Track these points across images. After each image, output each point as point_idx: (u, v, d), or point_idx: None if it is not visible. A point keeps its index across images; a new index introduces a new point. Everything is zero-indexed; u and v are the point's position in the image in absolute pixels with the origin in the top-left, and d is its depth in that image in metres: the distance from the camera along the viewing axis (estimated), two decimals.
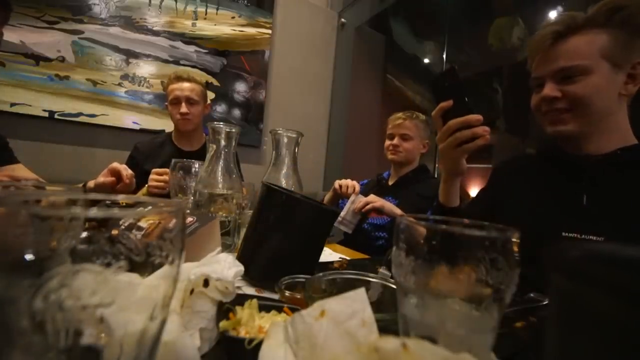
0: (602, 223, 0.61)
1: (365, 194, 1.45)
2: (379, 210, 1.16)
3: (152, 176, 1.05)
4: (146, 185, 1.07)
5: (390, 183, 1.42)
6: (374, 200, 1.16)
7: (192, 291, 0.31)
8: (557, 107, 0.66)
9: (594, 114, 0.64)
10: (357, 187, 1.24)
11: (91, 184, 0.99)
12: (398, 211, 1.17)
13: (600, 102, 0.64)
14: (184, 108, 1.36)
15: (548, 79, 0.67)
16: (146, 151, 1.44)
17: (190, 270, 0.31)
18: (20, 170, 1.02)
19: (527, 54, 0.74)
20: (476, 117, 0.59)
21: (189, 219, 0.55)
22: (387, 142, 1.40)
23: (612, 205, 0.62)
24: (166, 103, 1.44)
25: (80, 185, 1.01)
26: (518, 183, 0.78)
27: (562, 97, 0.65)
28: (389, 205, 1.17)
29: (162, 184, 1.04)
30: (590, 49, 0.62)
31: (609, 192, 0.63)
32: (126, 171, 0.97)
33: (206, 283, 0.31)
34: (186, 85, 1.38)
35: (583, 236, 0.62)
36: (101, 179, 0.97)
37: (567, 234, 0.63)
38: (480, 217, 0.32)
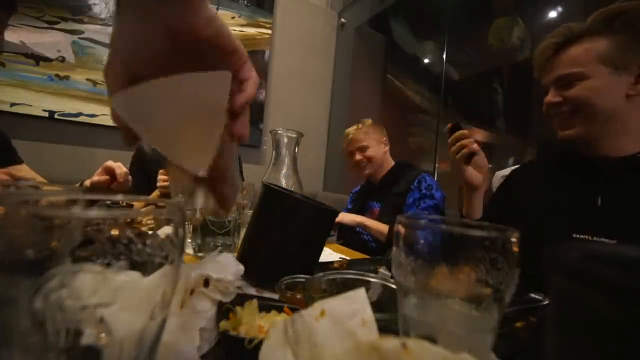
0: (616, 225, 0.61)
1: (356, 202, 1.50)
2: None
3: (160, 177, 1.07)
4: (156, 190, 1.08)
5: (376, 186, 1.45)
6: None
7: (192, 291, 0.31)
8: (562, 111, 0.69)
9: (598, 115, 0.65)
10: None
11: (87, 182, 0.99)
12: (358, 218, 1.27)
13: (602, 104, 0.65)
14: None
15: (551, 87, 0.71)
16: (153, 153, 1.45)
17: (191, 270, 0.31)
18: (24, 171, 1.02)
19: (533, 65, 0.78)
20: (461, 132, 0.74)
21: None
22: (351, 160, 1.41)
23: (627, 208, 0.62)
24: None
25: (78, 184, 1.01)
26: (532, 185, 0.79)
27: (564, 102, 0.68)
28: (348, 218, 1.26)
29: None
30: (587, 57, 0.65)
31: (625, 194, 0.63)
32: (120, 169, 0.96)
33: (206, 283, 0.31)
34: None
35: (595, 238, 0.62)
36: (96, 177, 0.97)
37: (578, 235, 0.63)
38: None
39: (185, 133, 0.27)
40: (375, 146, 1.37)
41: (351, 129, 1.41)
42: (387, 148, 1.40)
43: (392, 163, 1.40)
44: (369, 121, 1.41)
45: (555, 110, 0.70)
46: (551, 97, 0.70)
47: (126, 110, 0.25)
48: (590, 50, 0.65)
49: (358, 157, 1.37)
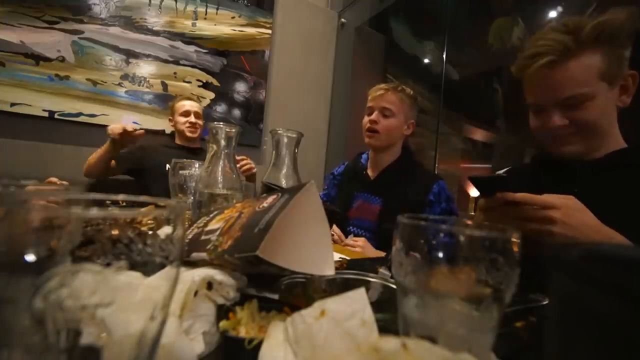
0: None
1: (342, 187, 1.27)
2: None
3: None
4: None
5: (370, 174, 1.20)
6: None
7: (195, 293, 0.31)
8: (564, 133, 0.68)
9: (600, 134, 0.67)
10: None
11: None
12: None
13: (605, 122, 0.66)
14: (192, 118, 1.67)
15: (552, 107, 0.68)
16: (148, 147, 1.61)
17: (194, 272, 0.31)
18: None
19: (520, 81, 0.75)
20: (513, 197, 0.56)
21: (270, 199, 0.39)
22: (365, 119, 1.15)
23: (600, 207, 0.63)
24: (170, 117, 1.72)
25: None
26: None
27: (570, 124, 0.67)
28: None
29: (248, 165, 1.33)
30: (590, 74, 0.63)
31: (598, 194, 0.65)
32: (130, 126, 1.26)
33: (209, 286, 0.31)
34: (195, 103, 1.72)
35: None
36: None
37: None
38: None
39: (307, 247, 0.35)
40: (400, 120, 1.12)
41: (387, 85, 1.14)
42: (407, 133, 1.16)
43: (399, 153, 1.17)
44: (411, 91, 1.15)
45: (556, 131, 0.68)
46: (559, 120, 0.67)
47: (270, 255, 0.31)
48: (590, 67, 0.63)
49: (375, 116, 1.11)
